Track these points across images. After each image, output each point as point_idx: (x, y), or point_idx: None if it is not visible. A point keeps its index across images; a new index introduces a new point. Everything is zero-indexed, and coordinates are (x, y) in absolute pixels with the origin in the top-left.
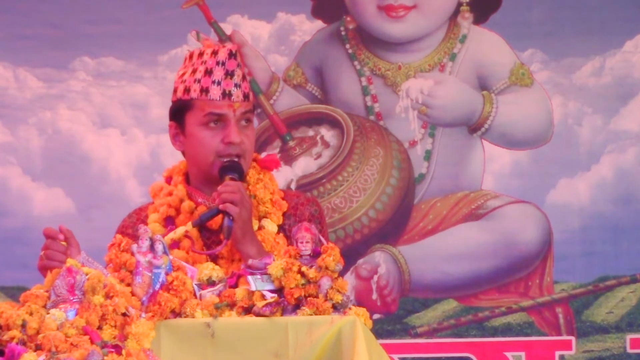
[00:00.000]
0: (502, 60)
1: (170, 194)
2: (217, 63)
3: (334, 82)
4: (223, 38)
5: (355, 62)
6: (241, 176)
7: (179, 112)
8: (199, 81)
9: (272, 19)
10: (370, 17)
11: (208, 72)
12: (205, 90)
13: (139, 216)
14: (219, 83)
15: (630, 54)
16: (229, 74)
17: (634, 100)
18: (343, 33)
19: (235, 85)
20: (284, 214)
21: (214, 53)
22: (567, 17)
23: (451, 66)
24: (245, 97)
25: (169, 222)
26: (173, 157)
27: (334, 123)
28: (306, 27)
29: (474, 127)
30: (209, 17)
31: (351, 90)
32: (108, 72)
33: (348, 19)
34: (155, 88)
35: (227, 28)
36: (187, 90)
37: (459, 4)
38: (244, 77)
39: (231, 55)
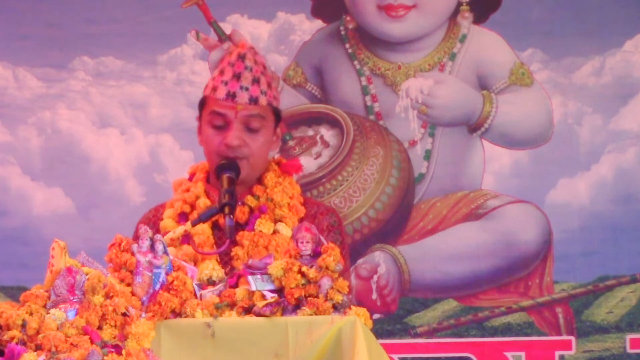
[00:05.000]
0: (502, 59)
1: (187, 190)
2: (229, 63)
3: (333, 81)
4: (223, 38)
5: (355, 62)
6: (238, 175)
7: (200, 107)
8: (213, 79)
9: (271, 19)
10: (370, 17)
11: (221, 72)
12: (214, 89)
13: (157, 212)
14: (226, 83)
15: (630, 54)
16: (236, 76)
17: (634, 100)
18: (343, 33)
19: (242, 87)
20: (300, 221)
21: (230, 53)
22: (567, 17)
23: (451, 66)
24: (253, 100)
25: (183, 218)
26: (172, 157)
27: (333, 123)
28: (306, 27)
29: (474, 126)
30: (209, 17)
31: (351, 90)
32: (107, 72)
33: (348, 18)
34: (154, 88)
35: (227, 28)
36: (207, 87)
37: (459, 4)
38: (256, 80)
39: (240, 57)
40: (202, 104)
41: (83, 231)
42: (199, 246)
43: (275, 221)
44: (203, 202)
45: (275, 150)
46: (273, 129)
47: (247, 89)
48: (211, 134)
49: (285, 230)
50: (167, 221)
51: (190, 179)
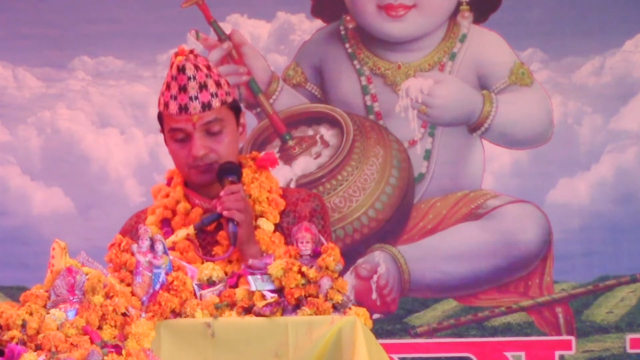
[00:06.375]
0: (502, 59)
1: (167, 195)
2: (172, 77)
3: (333, 81)
4: (223, 38)
5: (355, 62)
6: (239, 178)
7: (159, 122)
8: (163, 94)
9: (271, 18)
10: (369, 17)
11: (168, 86)
12: (166, 105)
13: (139, 218)
14: (175, 98)
15: (630, 54)
16: (182, 89)
17: (634, 100)
18: (342, 32)
19: (191, 97)
20: (281, 212)
21: (171, 66)
22: (567, 16)
23: (451, 65)
24: (206, 106)
25: (165, 224)
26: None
27: (333, 122)
28: (306, 27)
29: (474, 126)
30: (209, 17)
31: (351, 90)
32: (107, 72)
33: (347, 18)
34: (154, 87)
35: (227, 27)
36: (160, 102)
37: (459, 3)
38: (203, 86)
39: (180, 69)
40: (160, 119)
41: (83, 231)
42: (184, 251)
43: (256, 217)
44: (183, 207)
45: (244, 140)
46: (236, 124)
47: (196, 98)
48: (176, 148)
49: (266, 225)
50: (150, 227)
51: (169, 184)
